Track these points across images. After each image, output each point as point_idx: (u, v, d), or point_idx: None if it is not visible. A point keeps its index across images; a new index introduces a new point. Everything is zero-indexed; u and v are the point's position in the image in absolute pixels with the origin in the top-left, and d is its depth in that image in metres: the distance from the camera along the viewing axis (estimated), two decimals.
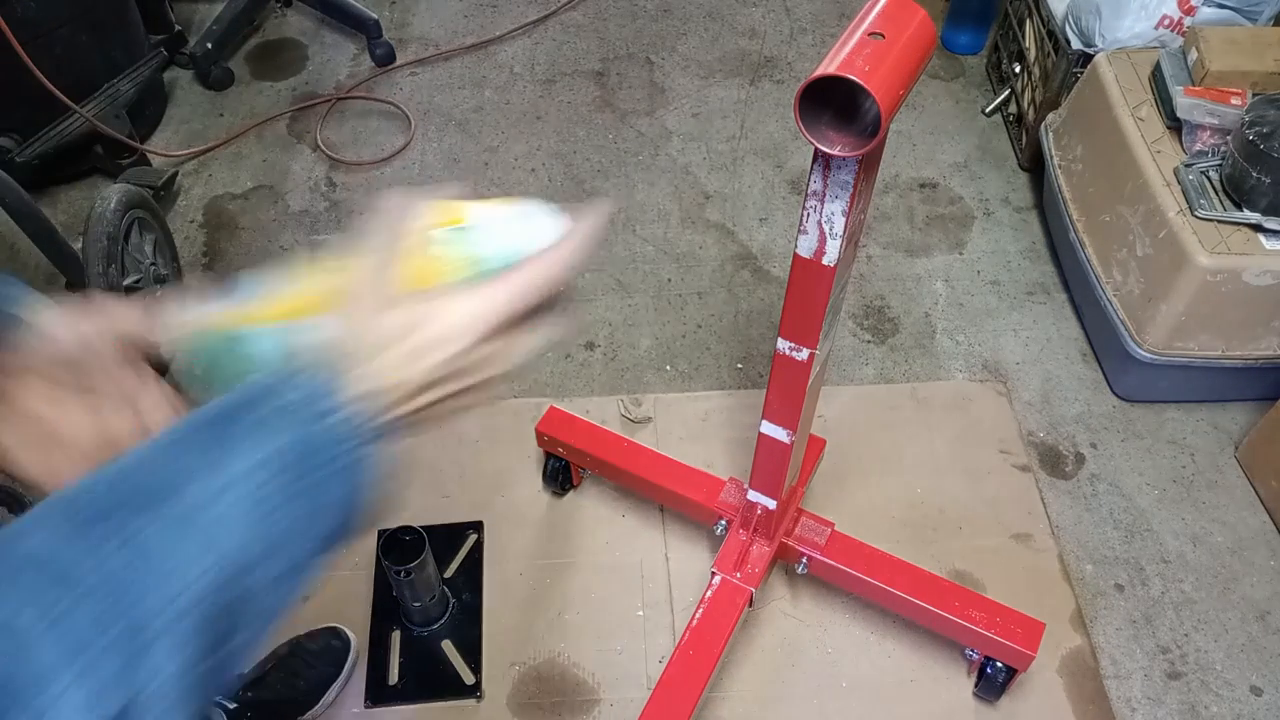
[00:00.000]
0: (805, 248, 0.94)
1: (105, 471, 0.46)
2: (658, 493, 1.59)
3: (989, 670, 1.42)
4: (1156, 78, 1.77)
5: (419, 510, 1.65)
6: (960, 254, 2.09)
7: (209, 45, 2.36)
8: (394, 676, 1.50)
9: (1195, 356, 1.69)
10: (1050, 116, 2.04)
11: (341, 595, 1.57)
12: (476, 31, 2.57)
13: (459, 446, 1.75)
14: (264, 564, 0.46)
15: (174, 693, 0.42)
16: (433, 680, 1.50)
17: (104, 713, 0.40)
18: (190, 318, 0.58)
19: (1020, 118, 2.25)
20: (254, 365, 0.55)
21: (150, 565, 0.43)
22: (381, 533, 1.47)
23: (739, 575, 1.41)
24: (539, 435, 1.61)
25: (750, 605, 1.43)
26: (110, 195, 1.71)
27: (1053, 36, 2.06)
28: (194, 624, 0.43)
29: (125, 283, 1.70)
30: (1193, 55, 1.72)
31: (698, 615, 1.39)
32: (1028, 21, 2.21)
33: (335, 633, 1.51)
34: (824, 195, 0.88)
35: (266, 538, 0.46)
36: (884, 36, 0.70)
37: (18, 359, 0.61)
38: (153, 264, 1.81)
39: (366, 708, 1.47)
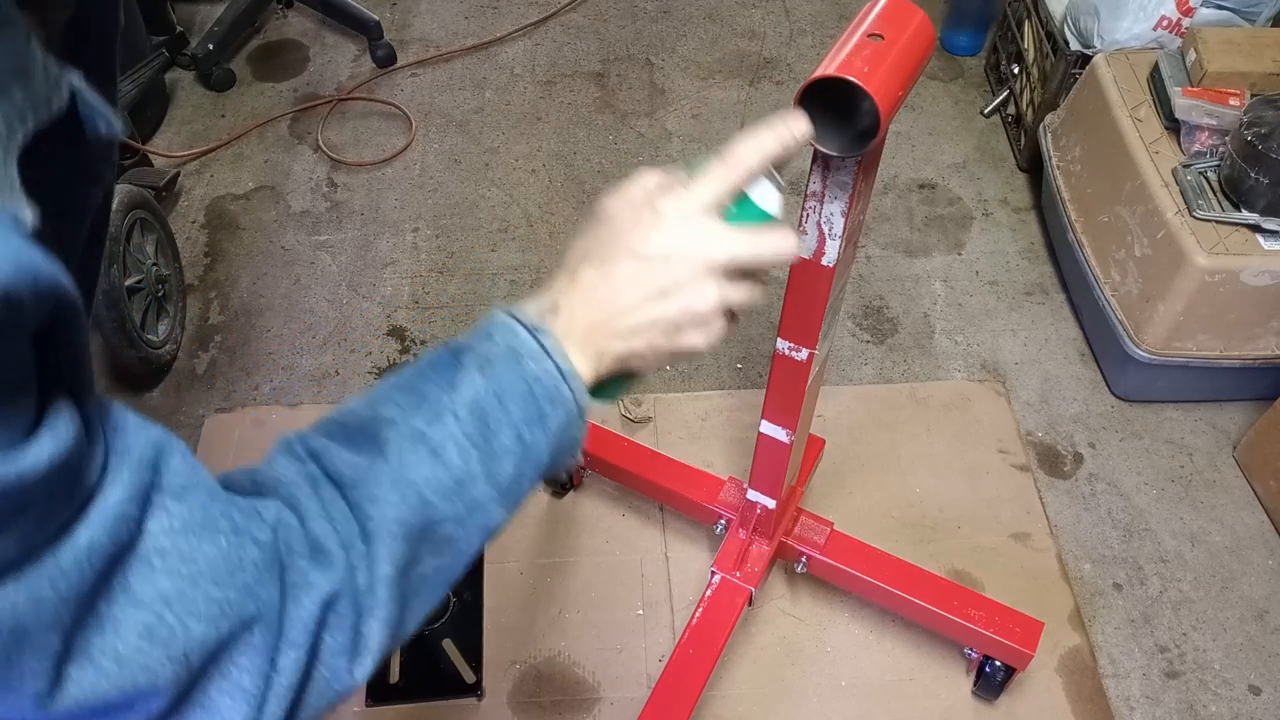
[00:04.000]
0: (804, 248, 0.95)
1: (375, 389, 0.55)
2: (658, 492, 1.59)
3: (988, 669, 1.43)
4: (1155, 79, 1.78)
5: None
6: (959, 254, 2.10)
7: (210, 46, 2.37)
8: (395, 675, 1.50)
9: (1193, 356, 1.70)
10: (1049, 117, 2.04)
11: None
12: (477, 33, 2.57)
13: None
14: (447, 498, 0.53)
15: (385, 594, 0.50)
16: (433, 679, 1.50)
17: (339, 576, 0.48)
18: None
19: (1019, 119, 2.26)
20: None
21: (387, 471, 0.51)
22: None
23: (738, 574, 1.42)
24: None
25: (750, 604, 1.43)
26: (112, 196, 1.71)
27: (1051, 38, 2.07)
28: (396, 534, 0.50)
29: (127, 283, 1.71)
30: (1191, 56, 1.72)
31: (697, 614, 1.39)
32: (1026, 23, 2.22)
33: None
34: (823, 196, 0.88)
35: (450, 476, 0.53)
36: (883, 38, 0.70)
37: None
38: (154, 264, 1.81)
39: (367, 706, 1.47)
